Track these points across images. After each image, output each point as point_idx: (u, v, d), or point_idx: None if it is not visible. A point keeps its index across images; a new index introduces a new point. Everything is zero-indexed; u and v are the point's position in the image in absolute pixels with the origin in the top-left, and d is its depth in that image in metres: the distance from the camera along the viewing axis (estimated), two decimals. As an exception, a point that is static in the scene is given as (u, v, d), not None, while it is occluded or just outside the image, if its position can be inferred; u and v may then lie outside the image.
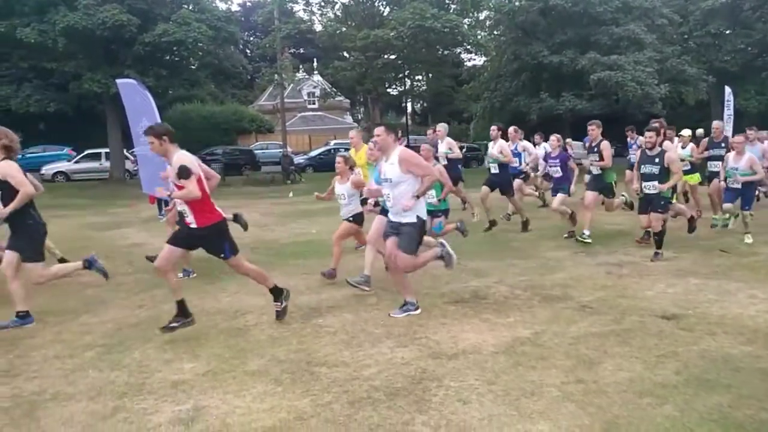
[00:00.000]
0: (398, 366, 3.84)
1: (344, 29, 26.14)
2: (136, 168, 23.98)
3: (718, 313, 4.74)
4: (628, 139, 11.40)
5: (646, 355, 3.89)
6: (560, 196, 8.48)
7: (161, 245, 8.93)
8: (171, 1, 22.60)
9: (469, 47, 27.69)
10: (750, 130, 9.56)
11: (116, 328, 4.86)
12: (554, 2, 25.78)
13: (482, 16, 29.71)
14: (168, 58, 23.77)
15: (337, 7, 27.43)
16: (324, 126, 42.25)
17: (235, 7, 43.74)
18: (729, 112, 20.69)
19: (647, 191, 6.87)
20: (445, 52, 27.82)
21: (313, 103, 43.78)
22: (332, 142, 32.57)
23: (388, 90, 30.91)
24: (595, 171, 8.12)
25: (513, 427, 2.97)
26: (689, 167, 9.48)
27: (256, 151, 30.76)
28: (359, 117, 49.62)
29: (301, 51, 39.24)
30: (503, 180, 9.20)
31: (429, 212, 6.64)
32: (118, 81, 13.45)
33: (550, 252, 7.54)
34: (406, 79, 31.40)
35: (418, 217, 4.83)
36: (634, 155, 10.47)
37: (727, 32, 30.23)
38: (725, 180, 8.12)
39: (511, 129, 10.45)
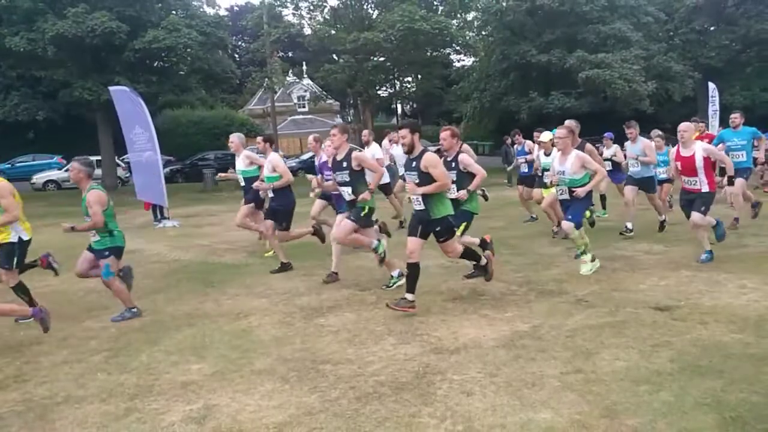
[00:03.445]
0: (402, 362, 3.94)
1: (333, 32, 26.25)
2: (127, 175, 23.99)
3: (709, 303, 4.88)
4: (515, 145, 10.02)
5: (641, 345, 4.02)
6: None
7: (158, 251, 9.04)
8: (160, 7, 22.56)
9: (457, 48, 27.92)
10: (629, 129, 8.23)
11: (121, 333, 4.93)
12: (541, 2, 26.02)
13: (470, 17, 29.93)
14: (157, 64, 23.73)
15: (326, 10, 27.55)
16: (315, 129, 42.26)
17: (222, 12, 43.73)
18: (714, 107, 21.07)
19: (416, 207, 5.10)
20: (434, 54, 28.02)
21: (304, 107, 43.83)
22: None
23: (378, 92, 31.04)
24: (347, 196, 5.84)
25: (516, 416, 3.08)
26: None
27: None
28: (349, 119, 49.72)
29: (290, 55, 39.30)
30: (280, 206, 6.98)
31: (93, 250, 5.25)
32: (111, 88, 13.54)
33: (544, 249, 7.67)
34: (396, 81, 31.58)
35: None
36: (524, 164, 9.58)
37: (712, 29, 30.70)
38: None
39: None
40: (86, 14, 19.46)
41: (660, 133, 9.53)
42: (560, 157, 6.12)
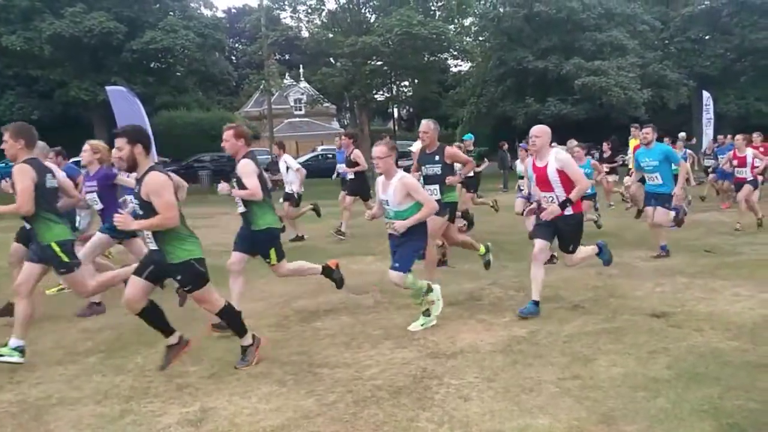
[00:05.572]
0: (399, 366, 3.94)
1: (331, 36, 26.29)
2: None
3: (705, 311, 4.90)
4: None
5: (638, 352, 4.02)
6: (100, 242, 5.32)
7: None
8: (158, 8, 22.58)
9: (455, 53, 27.97)
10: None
11: (116, 334, 4.89)
12: (538, 9, 26.21)
13: (467, 22, 30.04)
14: (155, 65, 23.75)
15: (324, 14, 27.57)
16: (311, 132, 42.31)
17: (219, 14, 43.75)
18: (708, 115, 21.21)
19: (150, 246, 3.96)
20: (432, 58, 28.07)
21: (300, 110, 43.81)
22: (319, 148, 32.65)
23: (375, 96, 31.09)
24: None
25: (514, 422, 3.08)
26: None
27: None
28: (345, 123, 49.75)
29: (288, 57, 39.33)
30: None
31: None
32: (108, 88, 13.46)
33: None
34: (393, 85, 31.64)
35: None
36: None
37: (707, 38, 30.90)
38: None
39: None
40: (84, 14, 19.49)
41: (577, 143, 8.72)
42: (384, 181, 4.69)
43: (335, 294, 5.89)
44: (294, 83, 36.29)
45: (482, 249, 6.24)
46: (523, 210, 7.56)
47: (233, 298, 4.59)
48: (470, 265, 7.02)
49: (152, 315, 3.94)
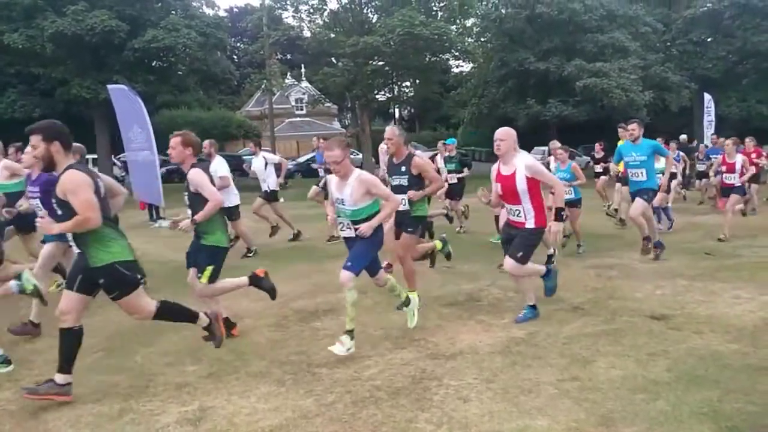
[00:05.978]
0: (398, 366, 3.94)
1: (333, 36, 26.29)
2: (123, 174, 23.93)
3: (705, 313, 4.90)
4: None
5: (637, 354, 4.02)
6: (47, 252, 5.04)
7: (153, 251, 9.00)
8: (160, 7, 22.59)
9: (456, 54, 27.94)
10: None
11: (116, 333, 4.90)
12: (540, 10, 26.16)
13: (469, 23, 30.02)
14: (156, 64, 23.75)
15: (326, 13, 27.56)
16: (312, 132, 42.26)
17: (221, 13, 43.76)
18: (710, 118, 21.23)
19: (74, 249, 3.83)
20: (433, 59, 28.03)
21: (301, 109, 43.82)
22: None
23: (377, 96, 31.06)
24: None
25: (513, 423, 3.08)
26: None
27: (244, 157, 30.80)
28: (347, 123, 49.79)
29: (289, 57, 39.34)
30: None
31: None
32: (109, 87, 13.51)
33: (539, 256, 7.65)
34: (394, 86, 31.62)
35: None
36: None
37: (709, 40, 30.87)
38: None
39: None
40: (86, 12, 19.50)
41: (560, 145, 8.31)
42: (338, 181, 4.34)
43: (334, 294, 5.89)
44: (295, 83, 36.31)
45: (439, 245, 6.13)
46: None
47: (213, 305, 4.50)
48: (469, 266, 7.03)
49: (70, 340, 3.63)
